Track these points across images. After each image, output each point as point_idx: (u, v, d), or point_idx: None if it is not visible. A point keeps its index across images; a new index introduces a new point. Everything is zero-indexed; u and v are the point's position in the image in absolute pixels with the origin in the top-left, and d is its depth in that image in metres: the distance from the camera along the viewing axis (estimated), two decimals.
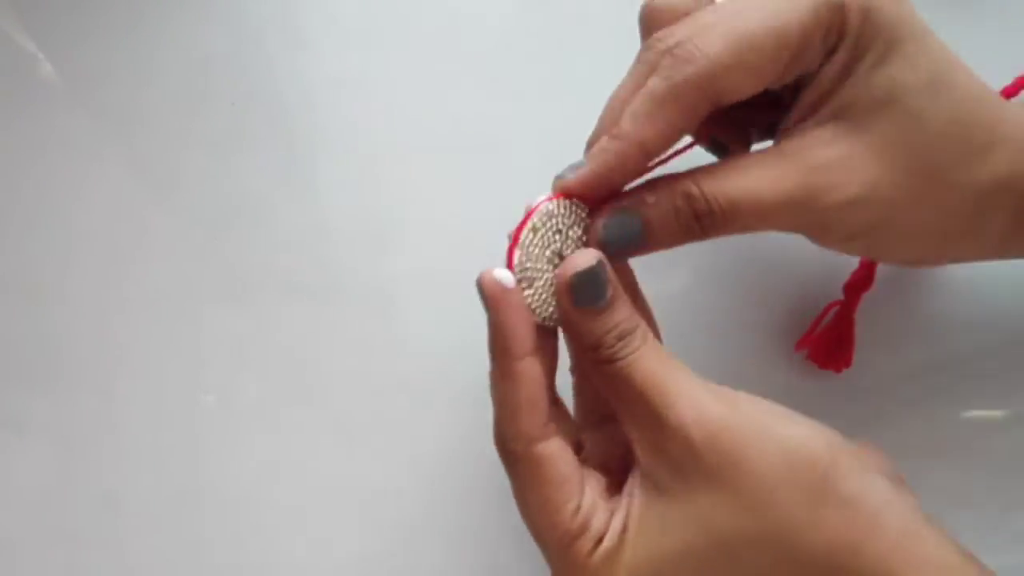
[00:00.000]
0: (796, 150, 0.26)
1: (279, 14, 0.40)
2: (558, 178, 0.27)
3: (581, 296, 0.26)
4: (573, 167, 0.27)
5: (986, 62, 0.35)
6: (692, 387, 0.25)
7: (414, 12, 0.40)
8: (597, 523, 0.25)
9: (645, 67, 0.27)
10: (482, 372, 0.36)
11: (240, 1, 0.41)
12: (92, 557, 0.35)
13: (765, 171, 0.26)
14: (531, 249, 0.27)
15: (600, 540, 0.25)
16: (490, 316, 0.26)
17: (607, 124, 0.27)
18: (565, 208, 0.27)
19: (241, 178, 0.39)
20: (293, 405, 0.36)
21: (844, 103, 0.26)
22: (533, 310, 0.27)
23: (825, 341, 0.34)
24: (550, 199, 0.27)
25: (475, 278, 0.26)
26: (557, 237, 0.27)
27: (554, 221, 0.27)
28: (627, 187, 0.28)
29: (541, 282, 0.27)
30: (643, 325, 0.26)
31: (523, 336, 0.26)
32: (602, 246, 0.26)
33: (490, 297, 0.26)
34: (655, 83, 0.26)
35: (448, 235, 0.37)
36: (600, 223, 0.27)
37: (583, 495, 0.26)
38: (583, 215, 0.27)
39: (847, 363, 0.34)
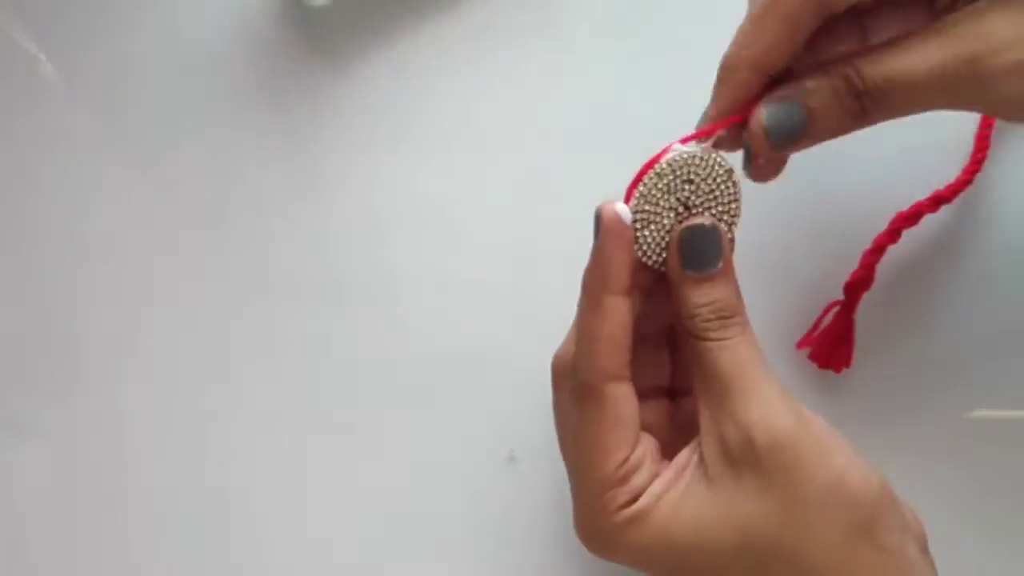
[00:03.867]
0: (953, 22, 0.25)
1: (279, 12, 0.40)
2: (697, 126, 0.27)
3: (688, 254, 0.26)
4: (704, 113, 0.27)
5: None
6: (771, 392, 0.25)
7: (416, 8, 0.40)
8: (638, 480, 0.26)
9: None
10: (481, 372, 0.36)
11: (240, 1, 0.41)
12: (94, 558, 0.35)
13: (922, 45, 0.25)
14: (652, 192, 0.27)
15: (635, 498, 0.25)
16: (597, 245, 0.26)
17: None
18: (702, 159, 0.27)
19: (241, 178, 0.39)
20: (293, 405, 0.36)
21: None
22: (644, 251, 0.27)
23: (825, 341, 0.34)
24: (687, 142, 0.27)
25: (595, 208, 0.26)
26: (687, 187, 0.27)
27: (686, 170, 0.27)
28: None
29: (657, 226, 0.27)
30: (744, 315, 0.26)
31: (621, 272, 0.26)
32: (765, 136, 0.26)
33: (605, 226, 0.26)
34: (756, 1, 0.26)
35: (449, 235, 0.37)
36: (762, 111, 0.26)
37: (635, 448, 0.26)
38: (721, 168, 0.27)
39: (847, 363, 0.34)
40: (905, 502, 0.27)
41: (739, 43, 0.26)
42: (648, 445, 0.27)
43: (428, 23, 0.40)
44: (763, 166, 0.28)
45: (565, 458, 0.29)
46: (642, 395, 0.29)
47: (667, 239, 0.27)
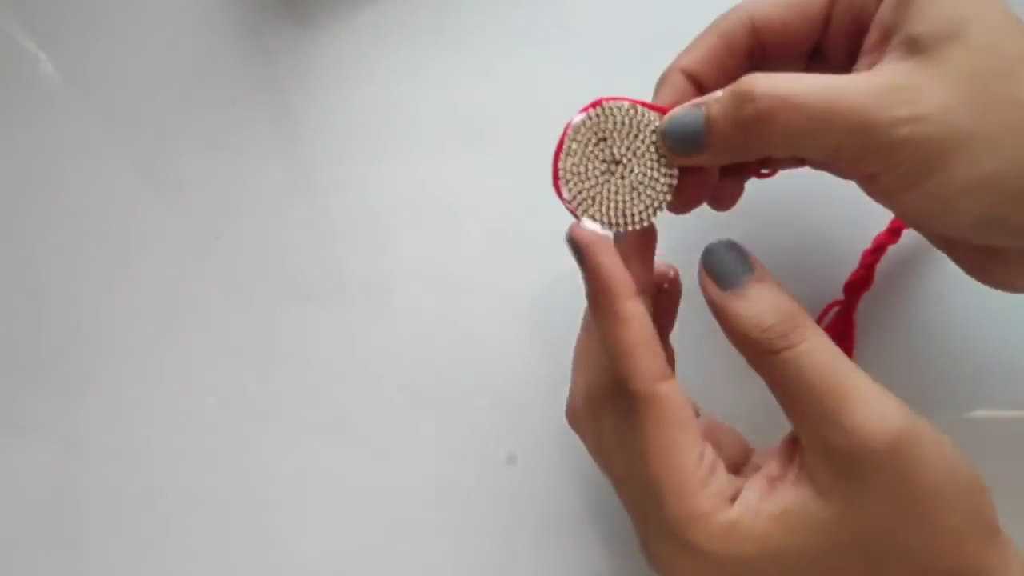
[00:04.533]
0: (863, 75, 0.25)
1: (280, 12, 0.40)
2: None
3: (717, 272, 0.26)
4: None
5: None
6: (872, 390, 0.24)
7: (415, 7, 0.40)
8: (719, 483, 0.24)
9: None
10: (481, 371, 0.36)
11: (240, 1, 0.41)
12: (93, 558, 0.35)
13: (828, 81, 0.24)
14: (578, 169, 0.27)
15: (729, 500, 0.24)
16: (588, 264, 0.25)
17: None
18: (599, 115, 0.27)
19: (241, 178, 0.39)
20: (293, 405, 0.36)
21: (909, 37, 0.24)
22: (608, 225, 0.27)
23: None
24: (580, 112, 0.27)
25: (565, 234, 0.26)
26: (602, 145, 0.27)
27: (591, 132, 0.27)
28: None
29: (606, 192, 0.27)
30: (806, 315, 0.25)
31: (625, 277, 0.25)
32: (664, 136, 0.27)
33: (584, 245, 0.25)
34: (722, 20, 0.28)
35: (448, 235, 0.37)
36: (669, 113, 0.27)
37: (706, 448, 0.25)
38: (627, 112, 0.27)
39: None
40: None
41: (679, 55, 0.28)
42: (712, 450, 0.25)
43: (427, 23, 0.40)
44: (718, 193, 0.28)
45: (625, 491, 0.27)
46: None
47: (617, 199, 0.27)
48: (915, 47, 0.24)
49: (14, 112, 0.40)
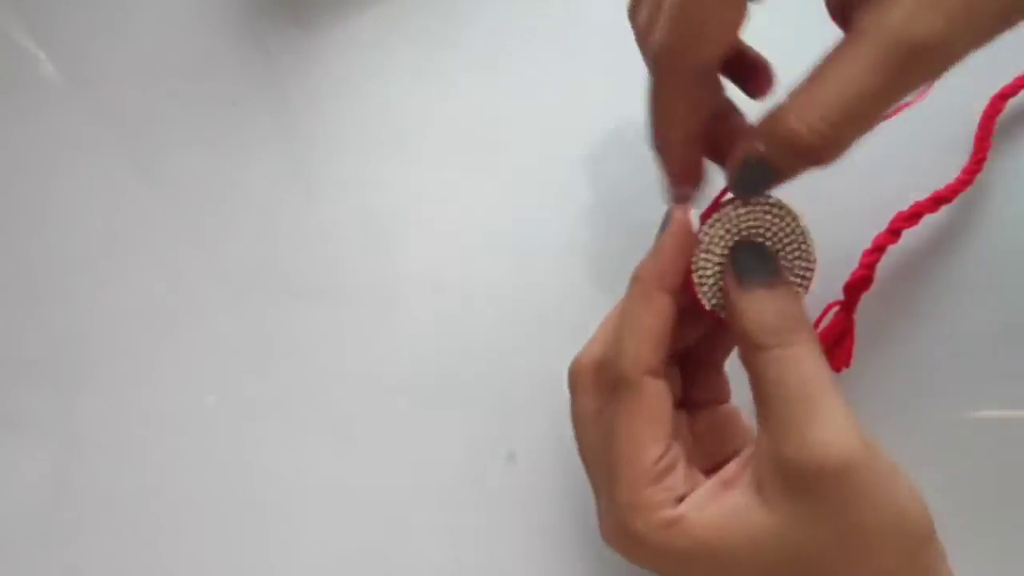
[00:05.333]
0: (873, 25, 0.22)
1: (281, 13, 0.40)
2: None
3: (741, 267, 0.26)
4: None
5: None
6: (840, 412, 0.24)
7: (416, 9, 0.40)
8: (672, 481, 0.25)
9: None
10: (481, 372, 0.36)
11: (240, 1, 0.41)
12: (90, 557, 0.35)
13: (855, 65, 0.22)
14: (713, 235, 0.27)
15: (673, 501, 0.25)
16: (661, 243, 0.26)
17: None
18: (769, 211, 0.27)
19: (241, 178, 0.39)
20: (293, 405, 0.36)
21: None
22: (703, 293, 0.27)
23: (825, 341, 0.34)
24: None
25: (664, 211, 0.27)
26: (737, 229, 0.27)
27: (721, 239, 0.27)
28: None
29: (710, 270, 0.27)
30: (810, 329, 0.25)
31: (677, 272, 0.26)
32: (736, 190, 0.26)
33: (675, 227, 0.26)
34: (651, 84, 0.26)
35: (449, 236, 0.37)
36: (733, 177, 0.26)
37: (670, 448, 0.25)
38: (787, 222, 0.27)
39: (847, 363, 0.34)
40: None
41: (659, 123, 0.27)
42: (679, 450, 0.26)
43: (428, 26, 0.40)
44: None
45: (590, 462, 0.28)
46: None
47: (719, 279, 0.27)
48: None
49: (14, 111, 0.40)
